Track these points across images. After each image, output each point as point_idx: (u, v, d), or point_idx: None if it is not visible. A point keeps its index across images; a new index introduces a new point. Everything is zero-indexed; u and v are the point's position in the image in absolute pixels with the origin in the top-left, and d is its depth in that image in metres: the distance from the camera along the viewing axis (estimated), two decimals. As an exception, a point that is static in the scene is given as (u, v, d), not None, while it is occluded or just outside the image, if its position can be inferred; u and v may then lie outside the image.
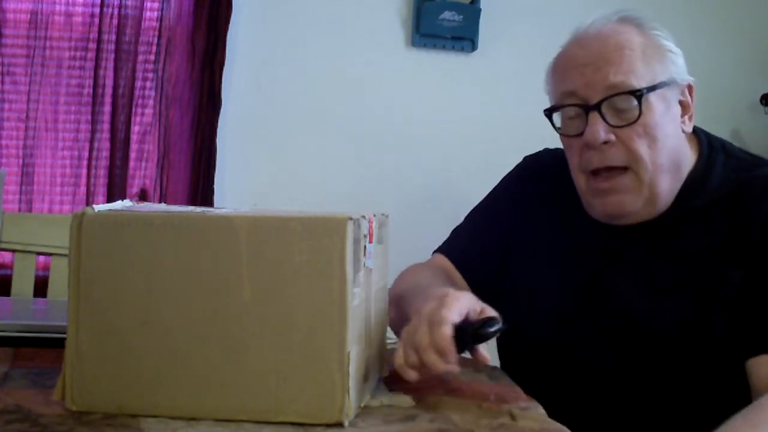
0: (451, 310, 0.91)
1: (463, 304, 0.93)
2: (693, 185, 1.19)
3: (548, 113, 1.20)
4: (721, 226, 1.15)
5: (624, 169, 1.14)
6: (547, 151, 1.38)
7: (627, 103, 1.12)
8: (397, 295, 1.11)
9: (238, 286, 0.80)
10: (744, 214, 1.14)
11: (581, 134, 1.15)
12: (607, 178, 1.15)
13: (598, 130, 1.13)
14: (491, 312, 0.95)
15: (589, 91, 1.14)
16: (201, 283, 0.81)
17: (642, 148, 1.13)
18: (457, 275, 1.30)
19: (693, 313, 1.14)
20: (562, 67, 1.19)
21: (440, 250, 1.35)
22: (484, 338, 0.90)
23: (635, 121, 1.12)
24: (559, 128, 1.20)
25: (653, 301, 1.17)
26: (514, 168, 1.39)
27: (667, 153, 1.15)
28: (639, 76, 1.13)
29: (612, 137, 1.13)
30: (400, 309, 1.09)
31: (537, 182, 1.33)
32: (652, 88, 1.13)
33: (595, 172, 1.16)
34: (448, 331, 0.88)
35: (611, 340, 1.18)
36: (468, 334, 0.90)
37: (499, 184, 1.39)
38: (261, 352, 0.80)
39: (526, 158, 1.39)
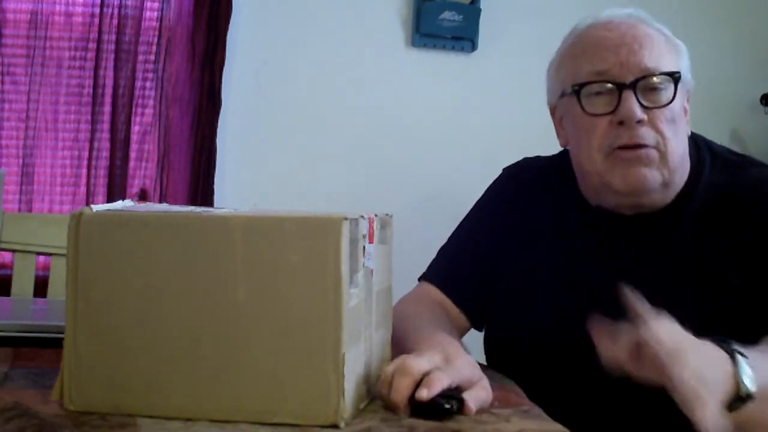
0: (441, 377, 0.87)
1: (461, 373, 0.90)
2: (688, 188, 1.19)
3: (577, 89, 1.17)
4: (714, 230, 1.15)
5: (650, 146, 1.14)
6: (526, 160, 1.37)
7: (663, 84, 1.14)
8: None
9: (234, 286, 0.80)
10: (736, 218, 1.15)
11: (611, 112, 1.14)
12: (633, 151, 1.14)
13: (635, 107, 1.12)
14: (482, 385, 0.91)
15: (623, 70, 1.14)
16: (197, 283, 0.81)
17: (669, 132, 1.14)
18: (448, 303, 1.29)
19: (691, 318, 1.14)
20: (591, 47, 1.17)
21: (427, 277, 1.33)
22: (431, 413, 0.85)
23: (668, 104, 1.14)
24: (582, 108, 1.17)
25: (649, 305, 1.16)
26: (495, 181, 1.38)
27: (682, 144, 1.17)
28: (669, 63, 1.15)
29: (645, 117, 1.13)
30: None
31: (520, 192, 1.32)
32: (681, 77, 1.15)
33: (618, 148, 1.15)
34: (407, 384, 0.86)
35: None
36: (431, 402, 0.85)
37: (481, 198, 1.38)
38: (256, 353, 0.80)
39: (505, 169, 1.38)
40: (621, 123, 1.13)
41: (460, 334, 1.29)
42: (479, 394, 0.89)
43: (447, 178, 2.47)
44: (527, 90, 2.51)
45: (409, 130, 2.48)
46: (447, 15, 2.44)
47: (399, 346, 1.03)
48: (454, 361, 0.91)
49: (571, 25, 1.26)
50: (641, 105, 1.13)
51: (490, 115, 2.52)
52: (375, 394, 0.90)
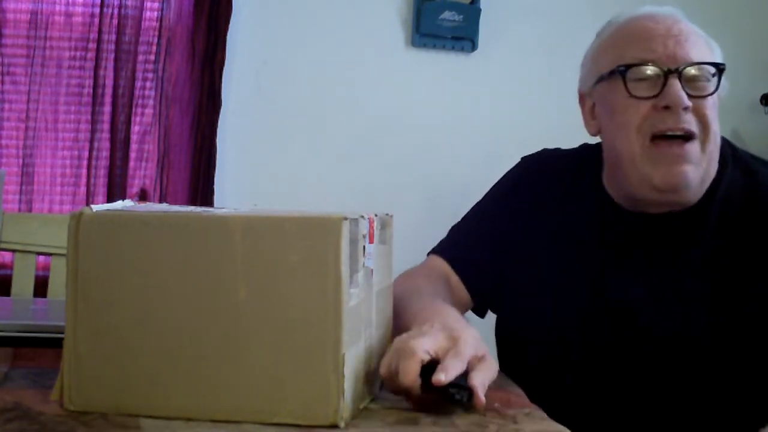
0: (456, 358, 0.86)
1: (468, 352, 0.89)
2: (711, 188, 1.18)
3: (623, 71, 1.15)
4: (736, 234, 1.15)
5: (693, 137, 1.13)
6: (546, 151, 1.36)
7: (707, 74, 1.15)
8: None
9: (234, 286, 0.80)
10: (758, 224, 1.14)
11: (653, 97, 1.13)
12: (675, 144, 1.13)
13: (681, 92, 1.12)
14: (488, 363, 0.90)
15: (670, 60, 1.14)
16: (197, 283, 0.81)
17: (711, 119, 1.14)
18: (454, 278, 1.27)
19: (705, 323, 1.13)
20: (637, 36, 1.18)
21: (437, 251, 1.32)
22: (444, 395, 0.85)
23: (711, 93, 1.14)
24: (626, 89, 1.15)
25: (662, 307, 1.16)
26: (513, 168, 1.36)
27: (718, 135, 1.17)
28: (711, 59, 1.17)
29: (690, 104, 1.13)
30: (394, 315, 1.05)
31: (537, 183, 1.30)
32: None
33: (659, 137, 1.14)
34: (416, 367, 0.85)
35: (617, 343, 1.17)
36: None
37: (497, 184, 1.36)
38: (256, 353, 0.80)
39: (524, 158, 1.37)
40: (666, 107, 1.13)
41: (462, 311, 1.28)
42: (485, 375, 0.88)
43: (447, 178, 2.48)
44: (527, 90, 2.52)
45: (409, 130, 2.48)
46: (447, 15, 2.44)
47: (399, 319, 1.01)
48: (458, 339, 0.89)
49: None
50: (687, 93, 1.13)
51: (490, 115, 2.52)
52: (380, 379, 0.89)
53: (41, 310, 1.43)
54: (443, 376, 0.83)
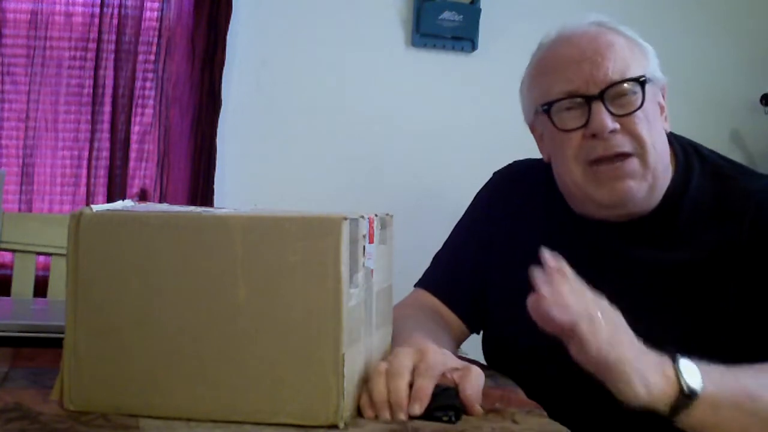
0: (428, 375, 0.87)
1: (436, 366, 0.89)
2: (676, 193, 1.18)
3: (547, 108, 1.17)
4: (706, 240, 1.15)
5: (629, 155, 1.14)
6: (517, 163, 1.38)
7: (631, 90, 1.13)
8: None
9: (234, 286, 0.80)
10: (729, 228, 1.14)
11: (582, 126, 1.14)
12: (614, 164, 1.14)
13: (605, 119, 1.12)
14: (471, 370, 0.91)
15: (590, 85, 1.14)
16: (197, 283, 0.81)
17: (644, 132, 1.13)
18: (443, 309, 1.29)
19: (681, 329, 1.13)
20: (554, 66, 1.18)
21: (423, 284, 1.33)
22: (432, 417, 0.85)
23: (639, 108, 1.13)
24: (554, 124, 1.18)
25: (640, 314, 1.16)
26: (486, 185, 1.38)
27: (660, 141, 1.16)
28: (634, 68, 1.15)
29: (617, 126, 1.13)
30: None
31: (512, 196, 1.32)
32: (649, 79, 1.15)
33: (596, 161, 1.15)
34: (404, 386, 0.86)
35: None
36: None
37: (472, 203, 1.38)
38: (256, 353, 0.80)
39: (495, 174, 1.39)
40: (594, 136, 1.13)
41: (459, 339, 1.29)
42: (474, 384, 0.89)
43: (447, 178, 2.48)
44: (527, 90, 2.52)
45: (409, 130, 2.48)
46: (447, 15, 2.44)
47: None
48: (426, 351, 0.91)
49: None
50: (612, 114, 1.13)
51: (490, 115, 2.51)
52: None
53: (41, 310, 1.43)
54: (417, 407, 0.84)
